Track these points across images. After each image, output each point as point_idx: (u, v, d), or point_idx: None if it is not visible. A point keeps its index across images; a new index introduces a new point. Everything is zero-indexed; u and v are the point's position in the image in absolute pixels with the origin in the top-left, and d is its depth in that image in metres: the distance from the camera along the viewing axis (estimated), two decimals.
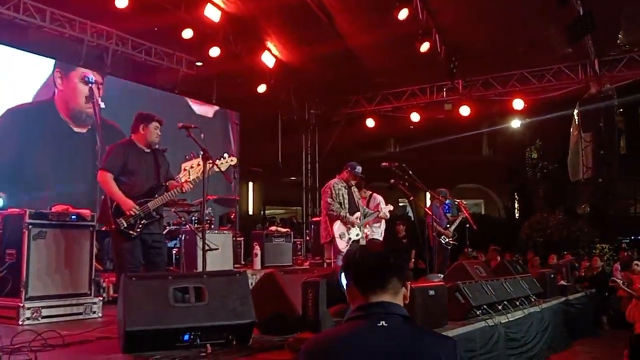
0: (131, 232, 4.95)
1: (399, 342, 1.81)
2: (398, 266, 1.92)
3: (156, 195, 5.13)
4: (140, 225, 4.99)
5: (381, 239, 8.25)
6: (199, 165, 5.15)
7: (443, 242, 9.11)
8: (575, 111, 13.01)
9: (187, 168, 5.26)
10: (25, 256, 5.00)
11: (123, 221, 4.93)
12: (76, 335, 4.16)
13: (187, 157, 5.44)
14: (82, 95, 9.92)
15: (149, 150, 5.26)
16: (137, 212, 4.95)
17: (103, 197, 5.17)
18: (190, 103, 12.68)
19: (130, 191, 5.04)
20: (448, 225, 9.27)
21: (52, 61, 10.11)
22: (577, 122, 13.11)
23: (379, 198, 8.52)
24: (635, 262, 8.41)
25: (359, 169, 7.25)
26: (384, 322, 1.82)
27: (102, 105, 9.75)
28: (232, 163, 5.56)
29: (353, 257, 1.96)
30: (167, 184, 5.29)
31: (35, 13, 9.56)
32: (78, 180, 9.38)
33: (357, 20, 11.19)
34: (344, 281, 3.42)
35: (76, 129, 10.11)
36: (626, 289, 7.76)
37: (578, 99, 12.83)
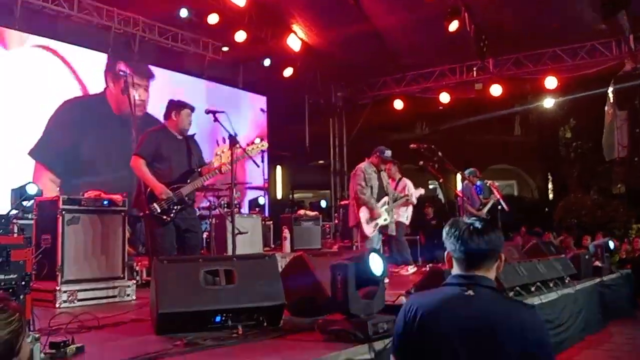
0: (164, 217, 5.03)
1: (483, 310, 2.03)
2: (495, 250, 2.14)
3: (189, 181, 5.19)
4: (174, 211, 5.06)
5: (407, 223, 8.19)
6: (229, 149, 5.17)
7: None
8: (610, 89, 12.67)
9: (218, 153, 5.30)
10: (60, 241, 5.10)
11: (157, 206, 5.00)
12: (111, 317, 4.24)
13: (218, 144, 5.48)
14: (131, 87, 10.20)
15: (181, 137, 5.33)
16: (170, 197, 5.02)
17: (137, 182, 5.25)
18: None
19: (163, 177, 5.11)
20: (481, 207, 9.11)
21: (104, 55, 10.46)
22: (611, 100, 12.78)
23: (408, 182, 8.47)
24: None
25: (388, 152, 7.17)
26: (471, 292, 2.07)
27: (137, 96, 10.02)
28: (264, 148, 5.59)
29: (458, 235, 2.14)
30: (200, 169, 5.34)
31: (63, 2, 9.67)
32: (126, 169, 9.66)
33: (383, 0, 11.04)
34: (372, 264, 3.42)
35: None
36: None
37: (612, 77, 12.48)
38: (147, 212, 5.05)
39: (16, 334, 1.73)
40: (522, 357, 1.99)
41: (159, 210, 5.00)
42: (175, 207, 5.06)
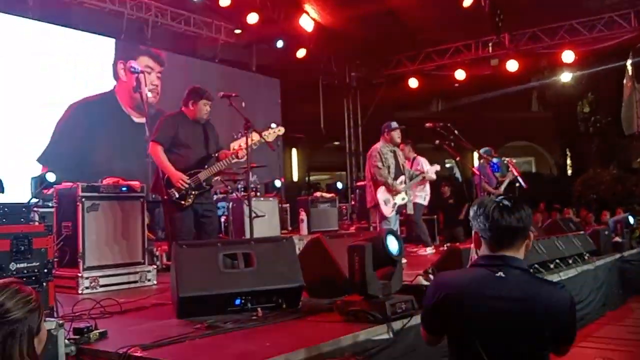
0: (183, 202, 5.07)
1: (513, 291, 2.02)
2: (526, 228, 2.11)
3: (206, 166, 5.22)
4: (192, 196, 5.10)
5: (425, 203, 8.15)
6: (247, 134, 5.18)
7: None
8: (629, 62, 12.42)
9: (235, 147, 5.31)
10: (80, 228, 5.17)
11: (175, 192, 5.06)
12: (132, 302, 4.31)
13: (235, 136, 5.48)
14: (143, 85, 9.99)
15: (198, 123, 5.34)
16: (188, 184, 5.06)
17: (156, 168, 5.29)
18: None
19: (181, 162, 5.14)
20: (498, 186, 9.04)
21: (112, 52, 10.33)
22: (630, 74, 12.54)
23: (422, 160, 8.42)
24: None
25: (394, 124, 7.16)
26: (502, 273, 2.05)
27: (150, 95, 9.96)
28: (280, 133, 5.58)
29: (487, 213, 2.10)
30: (217, 154, 5.36)
31: None
32: (139, 170, 9.51)
33: None
34: (390, 244, 3.42)
35: (136, 120, 10.22)
36: None
37: (631, 49, 12.22)
38: (165, 197, 5.10)
39: (34, 313, 1.77)
40: (554, 337, 2.02)
41: (177, 196, 5.06)
42: (193, 192, 5.11)
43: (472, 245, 2.26)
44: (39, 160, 9.06)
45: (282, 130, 5.58)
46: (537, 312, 1.99)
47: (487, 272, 2.08)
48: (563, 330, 2.05)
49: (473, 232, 2.21)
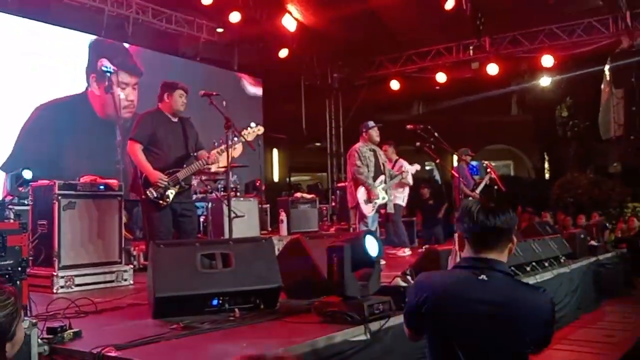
0: (161, 201, 5.01)
1: (495, 295, 2.02)
2: (510, 230, 2.12)
3: (185, 165, 5.17)
4: (170, 195, 5.04)
5: (404, 204, 8.19)
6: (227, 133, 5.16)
7: None
8: (607, 67, 12.62)
9: (218, 152, 5.28)
10: (56, 226, 5.10)
11: (153, 191, 4.99)
12: (108, 302, 4.27)
13: (215, 143, 5.44)
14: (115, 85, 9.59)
15: (176, 120, 5.28)
16: (166, 183, 5.00)
17: (134, 167, 5.23)
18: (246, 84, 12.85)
19: (159, 161, 5.08)
20: (475, 188, 9.12)
21: (85, 55, 10.05)
22: (608, 79, 12.75)
23: (404, 163, 8.48)
24: None
25: (371, 123, 7.20)
26: (484, 276, 2.05)
27: (122, 95, 9.68)
28: (260, 132, 5.56)
29: (473, 214, 2.10)
30: (197, 153, 5.32)
31: None
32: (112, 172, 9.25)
33: None
34: (368, 246, 3.43)
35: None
36: None
37: (609, 54, 12.42)
38: (143, 196, 5.05)
39: (10, 318, 1.72)
40: (534, 340, 2.04)
41: (155, 195, 5.00)
42: (172, 192, 5.05)
43: (455, 247, 2.25)
44: (3, 168, 8.55)
45: (261, 129, 5.55)
46: (519, 317, 2.00)
47: (470, 274, 2.08)
48: (543, 334, 2.06)
49: (456, 234, 2.22)
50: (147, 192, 4.99)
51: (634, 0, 11.17)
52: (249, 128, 5.41)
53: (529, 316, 2.01)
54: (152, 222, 5.10)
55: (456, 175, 8.49)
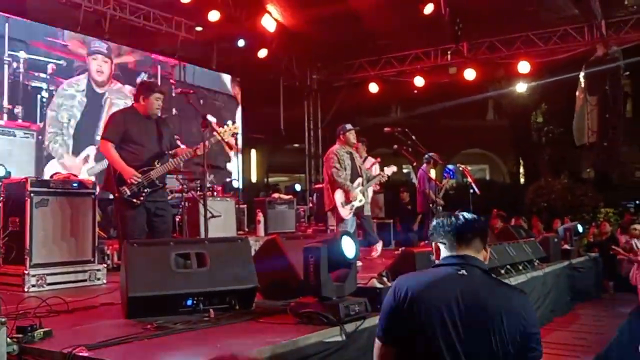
0: (134, 200, 4.95)
1: (475, 289, 2.09)
2: (480, 227, 2.26)
3: (158, 164, 5.11)
4: (144, 194, 4.98)
5: (369, 200, 8.14)
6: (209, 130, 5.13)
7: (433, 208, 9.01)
8: (582, 74, 12.82)
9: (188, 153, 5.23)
10: (28, 224, 5.00)
11: (126, 189, 4.93)
12: (80, 301, 4.18)
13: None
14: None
15: (149, 119, 5.22)
16: (140, 181, 4.94)
17: (107, 165, 5.17)
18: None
19: (132, 159, 5.02)
20: (438, 191, 9.13)
21: None
22: (582, 86, 12.93)
23: (372, 160, 8.49)
24: (633, 226, 8.42)
25: (349, 125, 7.21)
26: (464, 271, 2.13)
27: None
28: (236, 131, 5.53)
29: (447, 219, 2.26)
30: (172, 151, 5.27)
31: None
32: None
33: None
34: (345, 247, 3.42)
35: None
36: (624, 253, 7.85)
37: (584, 62, 12.63)
38: (116, 195, 4.97)
39: None
40: (519, 338, 2.04)
41: (128, 193, 4.93)
42: (146, 190, 4.99)
43: (433, 257, 2.32)
44: None
45: (237, 128, 5.53)
46: (505, 315, 2.03)
47: (450, 269, 2.15)
48: (532, 331, 2.07)
49: (433, 246, 2.29)
50: (121, 190, 4.93)
51: (609, 9, 11.38)
52: (225, 126, 5.37)
53: (513, 314, 2.04)
54: (125, 221, 5.03)
55: (434, 180, 8.59)
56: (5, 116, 8.90)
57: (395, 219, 11.50)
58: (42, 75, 9.51)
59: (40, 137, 9.31)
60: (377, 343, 2.21)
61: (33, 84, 9.37)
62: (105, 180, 5.24)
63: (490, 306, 2.04)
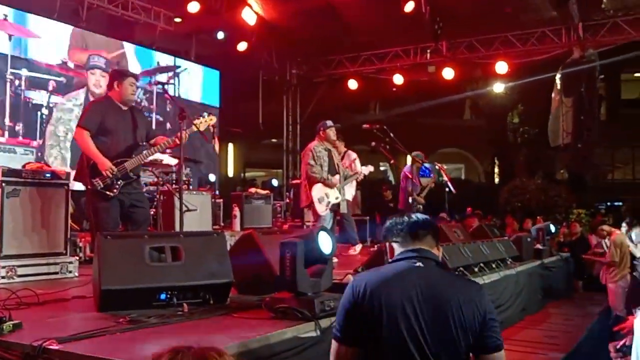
0: (107, 192, 4.87)
1: (433, 280, 2.15)
2: (432, 225, 2.35)
3: (133, 155, 5.04)
4: (117, 186, 4.90)
5: (351, 199, 8.16)
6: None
7: (414, 206, 9.06)
8: (558, 75, 13.01)
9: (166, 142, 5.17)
10: None
11: (100, 182, 4.85)
12: (52, 294, 4.11)
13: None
14: None
15: (126, 108, 5.15)
16: (114, 173, 4.86)
17: (80, 155, 5.07)
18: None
19: (107, 150, 4.94)
20: (421, 192, 9.18)
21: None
22: (558, 87, 13.13)
23: (354, 155, 8.47)
24: (601, 227, 8.59)
25: (329, 122, 7.21)
26: (420, 264, 2.19)
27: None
28: (212, 122, 5.47)
29: (399, 218, 2.35)
30: (152, 141, 5.20)
31: None
32: None
33: None
34: (321, 242, 3.41)
35: None
36: (595, 257, 8.06)
37: (561, 64, 12.81)
38: (89, 187, 4.89)
39: None
40: (478, 328, 2.09)
41: (102, 185, 4.85)
42: (119, 182, 4.91)
43: (387, 257, 2.37)
44: None
45: (213, 119, 5.46)
46: (461, 304, 2.08)
47: (406, 263, 2.21)
48: (490, 318, 2.13)
49: (387, 246, 2.36)
50: (94, 182, 4.84)
51: (587, 12, 11.55)
52: (200, 117, 5.32)
53: (468, 304, 2.09)
54: (98, 213, 4.95)
55: (409, 176, 8.62)
56: (6, 133, 8.96)
57: (375, 215, 11.53)
58: (43, 92, 9.64)
59: (39, 154, 9.29)
60: (335, 345, 2.20)
61: (34, 101, 9.50)
62: (77, 170, 5.13)
63: (449, 297, 2.09)
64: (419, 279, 2.13)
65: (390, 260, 2.32)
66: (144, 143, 5.18)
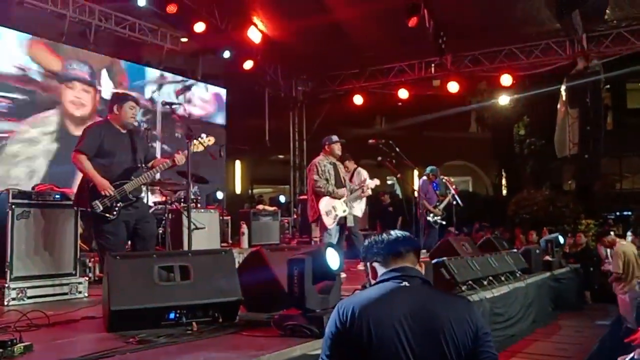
0: (107, 215, 4.86)
1: (420, 299, 2.10)
2: (413, 241, 2.30)
3: (132, 178, 5.04)
4: (117, 208, 4.89)
5: (361, 215, 8.19)
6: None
7: (431, 220, 9.09)
8: (563, 87, 13.00)
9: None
10: (9, 236, 4.91)
11: (99, 204, 4.82)
12: (61, 315, 4.14)
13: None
14: None
15: (125, 131, 5.16)
16: (113, 194, 4.85)
17: (80, 179, 5.06)
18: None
19: (105, 173, 4.91)
20: (437, 204, 9.22)
21: None
22: (564, 98, 13.11)
23: (365, 173, 8.49)
24: (606, 237, 8.50)
25: (334, 137, 7.22)
26: (406, 283, 2.14)
27: None
28: (210, 143, 5.49)
29: (379, 237, 2.29)
30: (150, 163, 5.22)
31: None
32: None
33: None
34: (329, 258, 3.43)
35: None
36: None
37: (565, 75, 12.82)
38: (89, 210, 4.88)
39: None
40: (470, 344, 2.05)
41: (101, 208, 4.83)
42: (119, 205, 4.91)
43: (369, 278, 2.31)
44: None
45: (212, 140, 5.49)
46: (452, 321, 2.04)
47: (391, 283, 2.15)
48: (484, 332, 2.09)
49: (368, 266, 2.29)
50: (93, 204, 4.84)
51: (590, 23, 11.57)
52: (199, 139, 5.35)
53: (456, 320, 2.05)
54: (102, 235, 4.94)
55: (418, 190, 8.64)
56: None
57: (376, 223, 11.50)
58: None
59: None
60: None
61: None
62: (77, 194, 5.09)
63: (438, 315, 2.05)
64: (407, 299, 2.09)
65: (373, 281, 2.26)
66: (143, 165, 5.19)
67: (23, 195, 5.11)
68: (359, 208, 8.34)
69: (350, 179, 8.08)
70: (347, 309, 2.08)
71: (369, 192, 7.73)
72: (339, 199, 6.99)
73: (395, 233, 2.30)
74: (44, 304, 4.78)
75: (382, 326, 2.01)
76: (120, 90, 5.34)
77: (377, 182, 7.99)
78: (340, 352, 2.08)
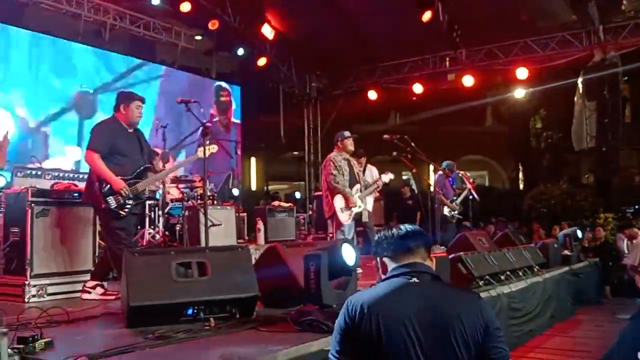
0: (120, 211, 4.90)
1: (429, 295, 2.09)
2: (423, 236, 2.27)
3: (143, 177, 5.07)
4: (129, 205, 4.93)
5: (370, 209, 8.15)
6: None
7: (448, 214, 9.04)
8: (580, 79, 12.85)
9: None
10: (28, 234, 4.99)
11: (113, 200, 4.86)
12: (81, 311, 4.19)
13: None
14: None
15: (131, 131, 5.17)
16: (127, 193, 4.89)
17: (89, 176, 5.09)
18: None
19: (118, 172, 4.94)
20: (454, 198, 9.17)
21: None
22: (581, 91, 12.95)
23: (375, 170, 8.49)
24: (624, 229, 8.39)
25: (347, 133, 7.20)
26: (415, 279, 2.12)
27: None
28: (214, 151, 5.53)
29: (388, 231, 2.28)
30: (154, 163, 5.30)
31: None
32: None
33: None
34: (345, 254, 3.44)
35: None
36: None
37: (582, 67, 12.66)
38: (103, 206, 4.91)
39: None
40: (480, 339, 2.03)
41: (114, 205, 4.86)
42: (130, 202, 4.95)
43: (379, 273, 2.31)
44: None
45: (215, 148, 5.52)
46: (465, 316, 2.03)
47: (401, 279, 2.14)
48: (495, 328, 2.07)
49: (378, 261, 2.29)
50: (108, 200, 4.87)
51: (607, 15, 11.42)
52: (206, 146, 5.38)
53: (465, 314, 2.03)
54: (114, 231, 4.96)
55: (435, 184, 8.61)
56: None
57: (393, 216, 11.42)
58: None
59: None
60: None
61: None
62: (86, 191, 5.08)
63: (447, 310, 2.04)
64: (416, 296, 2.08)
65: (383, 277, 2.24)
66: (149, 165, 5.23)
67: (42, 193, 5.18)
68: (370, 202, 8.34)
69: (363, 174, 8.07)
70: (356, 305, 2.07)
71: (381, 184, 7.72)
72: (354, 203, 6.97)
73: (406, 227, 2.27)
74: (63, 300, 4.83)
75: (391, 322, 2.01)
76: (126, 90, 5.31)
77: (391, 175, 7.97)
78: (350, 347, 2.07)
